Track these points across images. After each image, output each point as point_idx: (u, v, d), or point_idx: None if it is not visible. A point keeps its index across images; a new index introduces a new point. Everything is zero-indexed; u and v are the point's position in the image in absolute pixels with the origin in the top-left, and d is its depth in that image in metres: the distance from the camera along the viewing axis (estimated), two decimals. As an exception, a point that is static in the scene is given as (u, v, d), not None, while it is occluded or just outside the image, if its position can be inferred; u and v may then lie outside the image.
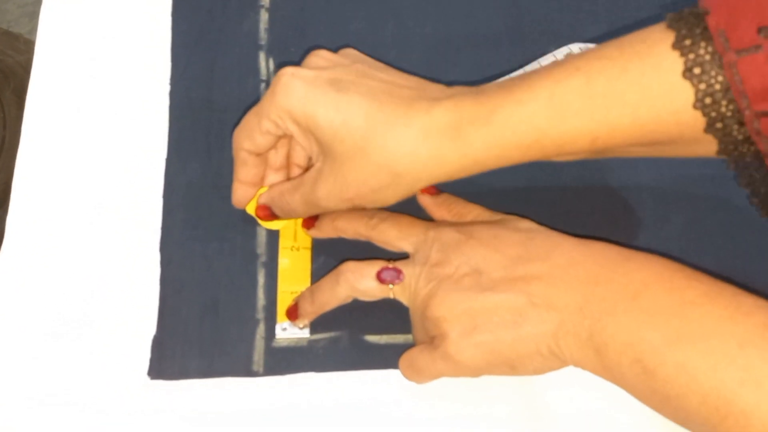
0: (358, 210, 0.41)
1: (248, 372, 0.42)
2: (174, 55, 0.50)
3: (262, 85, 0.50)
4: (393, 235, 0.41)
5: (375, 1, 0.52)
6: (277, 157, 0.43)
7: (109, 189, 0.47)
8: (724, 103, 0.31)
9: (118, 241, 0.45)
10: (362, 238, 0.42)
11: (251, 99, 0.49)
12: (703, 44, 0.31)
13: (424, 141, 0.35)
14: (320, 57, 0.39)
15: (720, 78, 0.30)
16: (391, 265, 0.40)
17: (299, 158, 0.43)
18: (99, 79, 0.50)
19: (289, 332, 0.43)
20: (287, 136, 0.40)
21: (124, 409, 0.41)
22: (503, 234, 0.39)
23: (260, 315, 0.44)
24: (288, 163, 0.43)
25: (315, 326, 0.43)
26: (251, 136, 0.39)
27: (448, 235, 0.40)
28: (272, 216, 0.43)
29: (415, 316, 0.40)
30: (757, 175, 0.34)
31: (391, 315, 0.43)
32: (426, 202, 0.44)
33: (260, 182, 0.43)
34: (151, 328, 0.43)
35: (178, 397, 0.42)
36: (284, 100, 0.36)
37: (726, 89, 0.30)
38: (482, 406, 0.42)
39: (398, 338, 0.43)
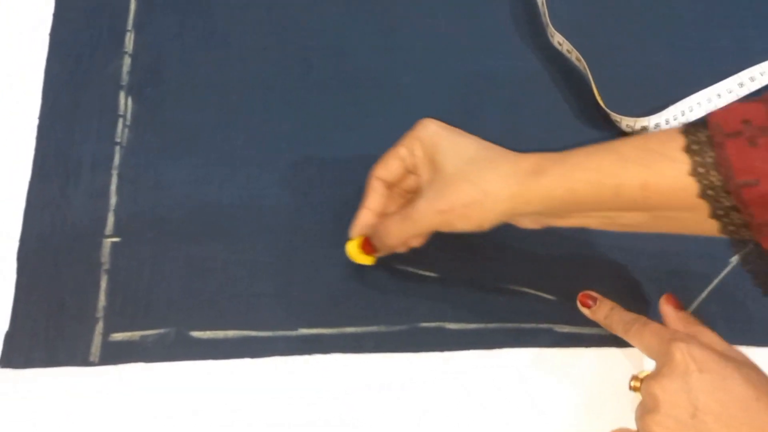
0: (629, 313, 0.50)
1: (85, 362, 0.50)
2: (44, 93, 0.58)
3: (120, 119, 0.57)
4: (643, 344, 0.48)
5: (224, 49, 0.60)
6: (398, 198, 0.51)
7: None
8: (713, 173, 0.39)
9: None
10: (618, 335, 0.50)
11: (109, 132, 0.57)
12: (702, 130, 0.40)
13: (513, 173, 0.44)
14: None
15: (712, 154, 0.39)
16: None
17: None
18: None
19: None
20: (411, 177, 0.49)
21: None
22: (733, 382, 0.44)
23: (100, 314, 0.51)
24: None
25: (145, 323, 0.51)
26: (387, 163, 0.49)
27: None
28: (371, 249, 0.50)
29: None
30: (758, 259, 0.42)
31: (212, 313, 0.51)
32: (667, 311, 0.50)
33: (382, 213, 0.50)
34: (4, 325, 0.50)
35: (24, 384, 0.49)
36: (420, 131, 0.48)
37: (716, 163, 0.39)
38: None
39: (219, 334, 0.51)
